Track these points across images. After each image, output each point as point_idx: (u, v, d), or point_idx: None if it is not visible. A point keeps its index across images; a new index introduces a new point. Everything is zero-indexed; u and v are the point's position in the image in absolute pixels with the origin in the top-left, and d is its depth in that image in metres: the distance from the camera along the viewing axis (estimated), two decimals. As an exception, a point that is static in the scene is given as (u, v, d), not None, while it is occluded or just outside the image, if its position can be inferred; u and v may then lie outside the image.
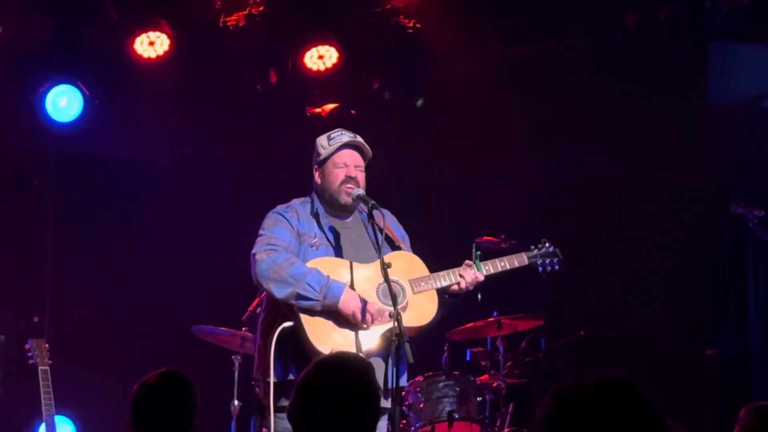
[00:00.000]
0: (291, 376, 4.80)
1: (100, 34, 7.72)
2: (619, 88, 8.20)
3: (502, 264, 5.22)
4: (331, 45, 7.87)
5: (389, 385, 4.67)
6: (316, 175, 5.14)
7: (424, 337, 5.11)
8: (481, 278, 5.09)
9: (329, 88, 8.24)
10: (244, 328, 6.78)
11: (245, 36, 7.70)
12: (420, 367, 6.53)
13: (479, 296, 5.20)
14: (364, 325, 4.85)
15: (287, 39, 7.95)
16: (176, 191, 8.33)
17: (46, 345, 6.20)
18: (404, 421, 6.86)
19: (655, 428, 2.31)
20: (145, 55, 7.61)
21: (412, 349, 4.61)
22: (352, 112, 8.27)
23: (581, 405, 2.31)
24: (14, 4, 7.43)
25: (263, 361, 4.91)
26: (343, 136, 5.12)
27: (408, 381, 6.07)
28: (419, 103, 8.42)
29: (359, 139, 5.14)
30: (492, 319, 7.24)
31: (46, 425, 6.03)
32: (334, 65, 7.93)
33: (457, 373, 7.06)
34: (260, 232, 5.02)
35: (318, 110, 8.27)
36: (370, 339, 4.87)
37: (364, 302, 4.85)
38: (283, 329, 4.84)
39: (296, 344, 4.84)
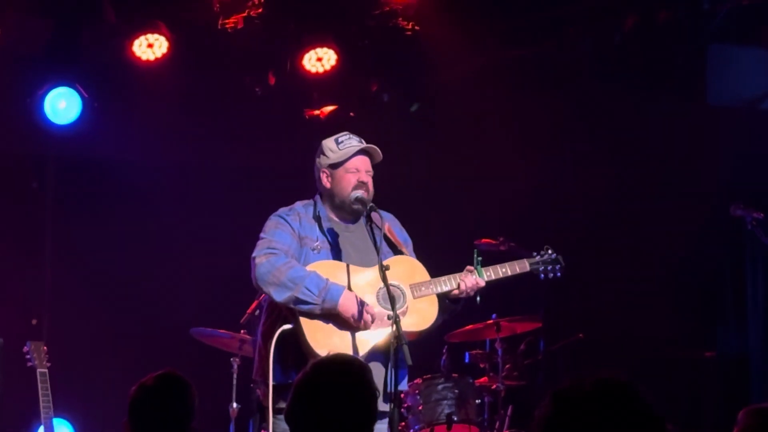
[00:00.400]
0: (290, 379, 4.79)
1: (98, 36, 7.73)
2: (618, 90, 8.21)
3: (504, 270, 5.23)
4: (329, 47, 7.88)
5: (388, 389, 4.67)
6: (323, 178, 5.11)
7: (423, 340, 5.11)
8: (483, 284, 5.10)
9: (328, 91, 8.25)
10: (242, 331, 6.77)
11: (244, 38, 7.71)
12: (419, 370, 6.53)
13: (478, 299, 5.20)
14: (363, 326, 4.85)
15: (286, 41, 7.96)
16: (175, 193, 8.33)
17: (45, 347, 6.20)
18: (403, 424, 6.86)
19: (655, 430, 2.31)
20: (144, 57, 7.61)
21: (411, 351, 4.61)
22: (351, 114, 8.28)
23: (580, 407, 2.31)
24: (13, 6, 7.43)
25: (263, 363, 4.91)
26: (352, 140, 5.11)
27: (407, 383, 6.08)
28: (413, 107, 8.43)
29: (371, 144, 5.14)
30: (491, 321, 7.24)
31: (45, 427, 6.03)
32: (332, 67, 7.94)
33: (455, 375, 7.06)
34: (261, 235, 5.02)
35: (317, 112, 8.28)
36: (369, 342, 4.87)
37: (363, 304, 4.84)
38: (283, 331, 4.84)
39: (296, 347, 4.84)
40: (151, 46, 7.61)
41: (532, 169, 8.67)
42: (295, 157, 5.51)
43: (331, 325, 4.86)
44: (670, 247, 8.43)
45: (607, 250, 8.62)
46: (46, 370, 6.12)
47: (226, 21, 7.64)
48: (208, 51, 7.90)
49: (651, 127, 8.43)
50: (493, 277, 5.17)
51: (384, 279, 4.71)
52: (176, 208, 8.31)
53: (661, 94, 8.21)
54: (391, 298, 4.67)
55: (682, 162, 8.47)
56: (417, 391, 6.92)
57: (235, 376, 6.93)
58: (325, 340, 4.82)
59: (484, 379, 7.38)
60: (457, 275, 5.07)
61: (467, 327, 7.23)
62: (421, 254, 5.22)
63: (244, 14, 7.61)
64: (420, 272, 5.08)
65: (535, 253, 5.43)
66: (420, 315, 4.99)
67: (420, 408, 6.88)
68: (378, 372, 4.67)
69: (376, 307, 4.89)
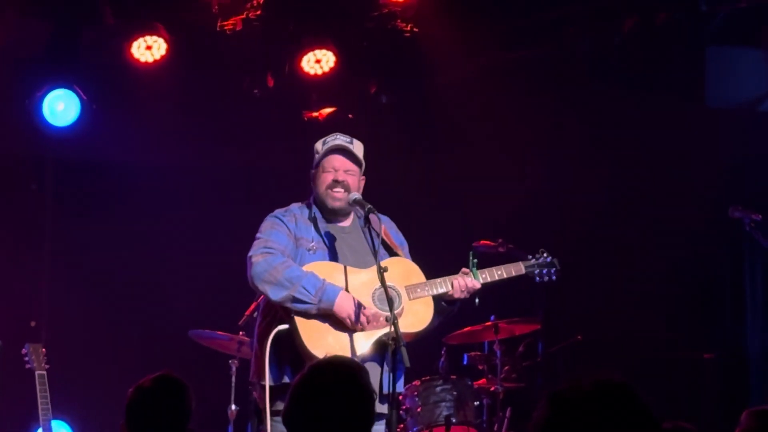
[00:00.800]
0: (286, 380, 4.80)
1: (97, 38, 7.74)
2: (617, 92, 8.20)
3: (499, 273, 5.24)
4: (328, 49, 7.88)
5: (385, 390, 4.67)
6: (311, 178, 5.16)
7: (421, 342, 5.11)
8: (478, 286, 5.10)
9: (326, 92, 8.24)
10: (241, 332, 6.77)
11: (242, 40, 7.71)
12: (417, 372, 6.53)
13: (477, 301, 5.20)
14: (359, 328, 4.84)
15: (284, 43, 7.96)
16: (173, 195, 8.32)
17: (43, 349, 6.20)
18: (401, 426, 6.86)
19: (652, 431, 2.31)
20: (143, 59, 7.62)
21: (409, 353, 4.61)
22: (350, 116, 8.28)
23: (578, 409, 2.31)
24: (12, 8, 7.43)
25: (259, 365, 4.91)
26: (336, 140, 5.12)
27: (405, 385, 6.08)
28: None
29: (353, 144, 5.13)
30: (489, 323, 7.23)
31: (43, 430, 6.02)
32: (331, 69, 7.94)
33: (454, 377, 7.05)
34: (257, 235, 5.03)
35: (315, 114, 8.28)
36: (365, 343, 4.87)
37: (360, 305, 4.84)
38: (279, 332, 4.84)
39: (292, 347, 4.84)
40: (149, 48, 7.61)
41: (531, 170, 8.67)
42: (294, 158, 5.50)
43: (326, 325, 4.86)
44: (669, 248, 8.44)
45: (607, 251, 8.62)
46: (45, 373, 6.11)
47: (225, 23, 7.64)
48: (206, 53, 7.90)
49: (650, 128, 8.43)
50: (489, 280, 5.17)
51: (382, 281, 4.71)
52: (175, 210, 8.30)
53: (660, 95, 8.21)
54: (389, 300, 4.67)
55: (681, 163, 8.47)
56: (415, 393, 6.91)
57: (233, 377, 6.93)
58: (320, 340, 4.82)
59: (482, 381, 7.38)
60: (452, 277, 5.07)
61: (466, 329, 7.23)
62: (421, 256, 5.21)
63: (243, 16, 7.61)
64: (415, 274, 5.08)
65: (530, 256, 5.44)
66: (415, 316, 4.99)
67: (418, 410, 6.88)
68: (374, 373, 4.67)
69: (372, 308, 4.89)
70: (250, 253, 4.95)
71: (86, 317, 7.98)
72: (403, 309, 4.94)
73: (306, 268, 4.89)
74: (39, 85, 7.64)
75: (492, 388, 7.23)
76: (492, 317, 7.24)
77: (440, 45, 7.87)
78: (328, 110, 8.28)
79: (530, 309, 7.73)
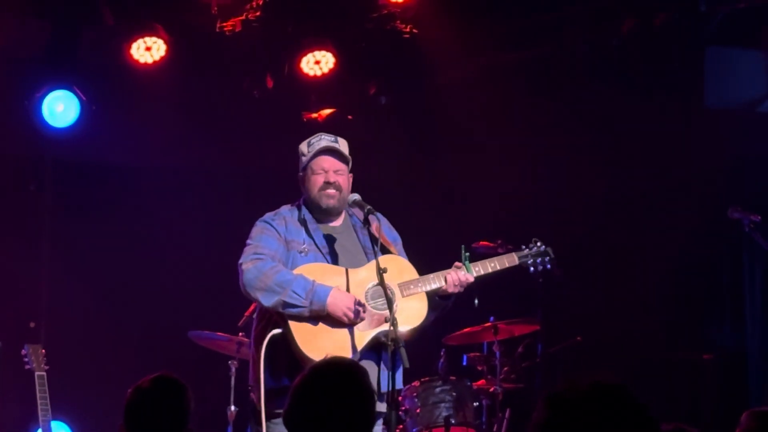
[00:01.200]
0: (283, 383, 4.79)
1: (96, 39, 7.73)
2: (616, 93, 8.20)
3: (492, 265, 5.17)
4: (327, 50, 7.88)
5: (383, 389, 4.67)
6: (300, 180, 5.15)
7: (420, 342, 5.10)
8: (471, 279, 5.05)
9: (326, 94, 8.24)
10: (240, 334, 6.77)
11: (242, 41, 7.71)
12: (417, 372, 6.52)
13: (476, 301, 5.18)
14: (358, 321, 4.83)
15: (284, 44, 7.96)
16: (173, 196, 8.32)
17: (43, 350, 6.20)
18: (401, 426, 6.86)
19: (649, 431, 2.32)
20: (142, 60, 7.61)
21: (408, 353, 4.61)
22: (349, 117, 8.28)
23: (575, 410, 2.32)
24: (11, 9, 7.43)
25: (256, 368, 4.90)
26: (322, 141, 5.11)
27: (404, 386, 6.07)
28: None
29: (338, 143, 5.12)
30: (488, 324, 7.23)
31: (43, 430, 6.02)
32: (330, 70, 7.94)
33: (453, 378, 7.05)
34: (248, 241, 5.02)
35: (314, 115, 8.27)
36: (361, 343, 4.86)
37: (353, 299, 4.83)
38: (273, 336, 4.83)
39: (287, 351, 4.83)
40: (149, 49, 7.61)
41: (530, 170, 8.67)
42: (293, 160, 5.50)
43: (320, 327, 4.85)
44: (668, 249, 8.43)
45: (606, 252, 8.62)
46: (44, 373, 6.12)
47: (224, 24, 7.64)
48: (206, 54, 7.90)
49: (649, 129, 8.43)
50: (482, 272, 5.11)
51: (382, 282, 4.70)
52: (174, 211, 8.30)
53: (659, 96, 8.21)
54: (389, 301, 4.66)
55: (680, 164, 8.47)
56: (415, 394, 6.91)
57: (232, 378, 6.94)
58: (315, 342, 4.80)
59: (481, 382, 7.38)
60: (445, 272, 5.03)
61: (465, 330, 7.23)
62: (420, 256, 5.20)
63: (242, 17, 7.61)
64: (408, 271, 5.06)
65: (523, 246, 5.36)
66: (410, 313, 4.96)
67: (418, 411, 6.87)
68: (371, 372, 4.67)
69: (366, 305, 4.88)
70: (240, 260, 4.94)
71: (86, 318, 7.98)
72: (397, 306, 4.92)
73: (297, 270, 4.88)
74: (38, 86, 7.64)
75: (491, 389, 7.23)
76: (491, 318, 7.24)
77: (440, 45, 7.87)
78: (327, 111, 8.28)
79: (529, 310, 7.73)
